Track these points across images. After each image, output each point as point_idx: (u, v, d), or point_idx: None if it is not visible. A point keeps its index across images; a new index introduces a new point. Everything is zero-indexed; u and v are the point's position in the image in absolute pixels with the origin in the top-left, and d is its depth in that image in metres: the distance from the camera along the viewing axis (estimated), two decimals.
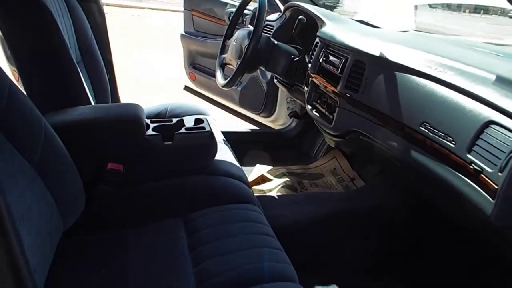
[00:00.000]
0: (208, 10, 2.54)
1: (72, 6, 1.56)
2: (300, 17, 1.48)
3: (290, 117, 2.17)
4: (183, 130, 1.24)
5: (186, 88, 2.95)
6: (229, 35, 1.78)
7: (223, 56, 1.75)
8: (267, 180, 1.96)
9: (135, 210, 1.12)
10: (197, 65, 2.72)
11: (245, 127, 2.41)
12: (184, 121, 1.33)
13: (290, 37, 1.74)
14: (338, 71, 1.24)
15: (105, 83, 1.71)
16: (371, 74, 1.11)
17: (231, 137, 1.80)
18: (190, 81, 2.77)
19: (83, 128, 1.12)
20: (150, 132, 1.20)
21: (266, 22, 1.94)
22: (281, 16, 1.87)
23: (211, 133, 1.24)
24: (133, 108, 1.20)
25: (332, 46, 1.32)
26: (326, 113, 1.32)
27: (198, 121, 1.33)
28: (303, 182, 1.98)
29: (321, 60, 1.35)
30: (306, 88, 1.49)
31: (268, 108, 2.30)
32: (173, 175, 1.21)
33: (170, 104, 1.85)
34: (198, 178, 1.23)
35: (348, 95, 1.18)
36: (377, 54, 1.10)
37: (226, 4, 2.45)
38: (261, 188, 1.89)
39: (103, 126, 1.13)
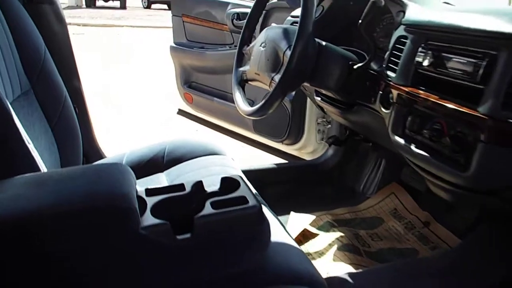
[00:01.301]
0: (204, 14, 2.01)
1: (9, 9, 1.01)
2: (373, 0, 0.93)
3: (330, 145, 1.63)
4: (207, 207, 0.68)
5: (180, 112, 2.40)
6: (247, 39, 1.24)
7: (241, 69, 1.21)
8: (312, 237, 1.41)
9: None
10: (193, 84, 2.17)
11: (266, 160, 1.87)
12: (204, 184, 0.77)
13: (333, 35, 1.21)
14: (472, 79, 0.71)
15: (71, 120, 1.15)
16: None
17: (253, 177, 1.26)
18: (186, 103, 2.22)
19: (14, 232, 0.56)
20: (148, 219, 0.64)
21: (292, 19, 1.41)
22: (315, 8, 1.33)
23: (259, 210, 0.68)
24: (115, 180, 0.64)
25: (444, 38, 0.79)
26: (445, 150, 0.78)
27: (227, 183, 0.78)
28: (360, 234, 1.44)
29: (425, 64, 0.81)
30: (386, 110, 0.96)
31: (294, 133, 1.76)
32: None
33: (168, 143, 1.30)
34: None
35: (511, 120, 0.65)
36: None
37: (226, 4, 1.92)
38: (307, 251, 1.33)
39: (57, 225, 0.57)
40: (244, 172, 1.26)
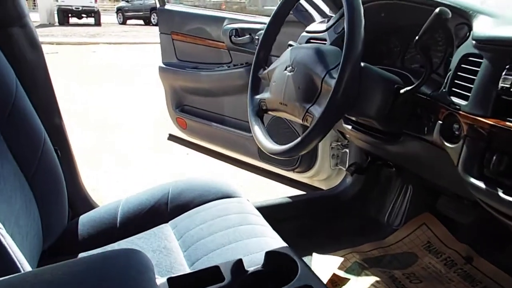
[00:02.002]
0: (196, 30, 1.81)
1: None
2: (439, 9, 0.75)
3: (352, 174, 1.44)
4: None
5: (172, 138, 2.19)
6: (262, 60, 1.05)
7: (258, 97, 1.02)
8: (341, 283, 1.22)
9: None
10: (186, 107, 1.96)
11: (276, 191, 1.67)
12: (223, 271, 0.57)
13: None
14: None
15: (52, 168, 0.93)
16: None
17: (267, 213, 1.07)
18: (179, 129, 2.02)
19: None
20: None
21: (307, 35, 1.23)
22: (336, 22, 1.15)
23: None
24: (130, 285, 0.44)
25: None
26: None
27: (273, 258, 0.58)
28: (396, 275, 1.25)
29: None
30: (452, 145, 0.77)
31: (306, 159, 1.57)
32: None
33: (171, 186, 1.09)
34: None
35: None
36: None
37: (222, 19, 1.73)
38: None
39: None
40: (258, 209, 1.07)
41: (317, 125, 0.78)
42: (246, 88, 1.70)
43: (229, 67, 1.72)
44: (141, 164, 2.74)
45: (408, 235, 1.41)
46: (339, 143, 1.58)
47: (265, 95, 0.99)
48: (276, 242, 0.90)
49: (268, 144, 0.93)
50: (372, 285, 1.19)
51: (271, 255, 0.61)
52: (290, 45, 1.10)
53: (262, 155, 1.69)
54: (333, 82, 0.78)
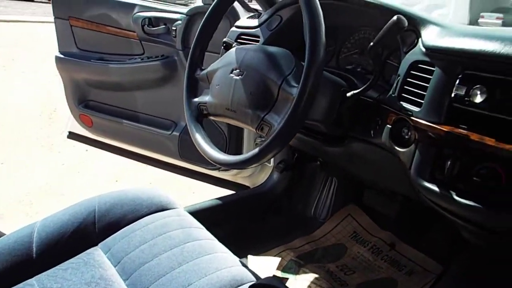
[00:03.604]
0: (101, 17, 1.62)
1: None
2: (396, 18, 0.73)
3: (281, 172, 1.42)
4: None
5: (72, 136, 1.96)
6: (198, 60, 0.95)
7: (197, 100, 0.92)
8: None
9: None
10: (92, 103, 1.76)
11: (201, 191, 1.59)
12: None
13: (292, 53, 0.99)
14: None
15: None
16: None
17: (201, 218, 1.00)
18: (83, 127, 1.80)
19: None
20: None
21: (238, 30, 1.16)
22: (269, 19, 1.10)
23: None
24: None
25: (494, 68, 0.64)
26: (504, 198, 0.63)
27: None
28: (331, 269, 1.28)
29: (476, 100, 0.64)
30: (403, 149, 0.78)
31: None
32: None
33: (96, 202, 0.95)
34: None
35: None
36: None
37: (132, 5, 1.57)
38: None
39: None
40: (191, 213, 1.00)
41: (277, 136, 0.73)
42: (163, 82, 1.59)
43: (142, 59, 1.57)
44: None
45: (335, 227, 1.45)
46: (263, 140, 1.55)
47: (205, 98, 0.91)
48: (229, 258, 0.84)
49: (215, 153, 0.85)
50: (312, 282, 1.20)
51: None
52: (225, 43, 1.02)
53: (183, 153, 1.59)
54: (293, 90, 0.74)
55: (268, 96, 0.78)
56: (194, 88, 0.95)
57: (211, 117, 0.92)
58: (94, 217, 0.92)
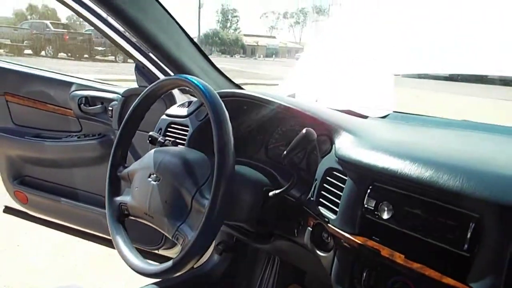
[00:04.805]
0: (38, 94, 1.59)
1: None
2: (305, 131, 0.75)
3: (220, 254, 1.39)
4: None
5: (8, 210, 1.86)
6: (120, 159, 0.93)
7: (119, 199, 0.90)
8: None
9: None
10: (27, 179, 1.70)
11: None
12: None
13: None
14: (454, 244, 0.59)
15: None
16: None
17: None
18: (18, 203, 1.72)
19: None
20: None
21: (168, 119, 1.16)
22: (198, 109, 1.11)
23: None
24: None
25: (400, 185, 0.67)
26: None
27: None
28: None
29: (384, 216, 0.66)
30: (323, 253, 0.78)
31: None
32: None
33: None
34: None
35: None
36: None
37: (69, 84, 1.56)
38: None
39: None
40: None
41: (192, 249, 0.72)
42: (100, 161, 1.56)
43: (79, 137, 1.54)
44: None
45: None
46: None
47: (126, 198, 0.89)
48: None
49: (134, 261, 0.82)
50: None
51: None
52: (151, 137, 1.01)
53: None
54: (205, 203, 0.73)
55: (183, 207, 0.77)
56: (116, 187, 0.93)
57: (132, 218, 0.90)
58: None
